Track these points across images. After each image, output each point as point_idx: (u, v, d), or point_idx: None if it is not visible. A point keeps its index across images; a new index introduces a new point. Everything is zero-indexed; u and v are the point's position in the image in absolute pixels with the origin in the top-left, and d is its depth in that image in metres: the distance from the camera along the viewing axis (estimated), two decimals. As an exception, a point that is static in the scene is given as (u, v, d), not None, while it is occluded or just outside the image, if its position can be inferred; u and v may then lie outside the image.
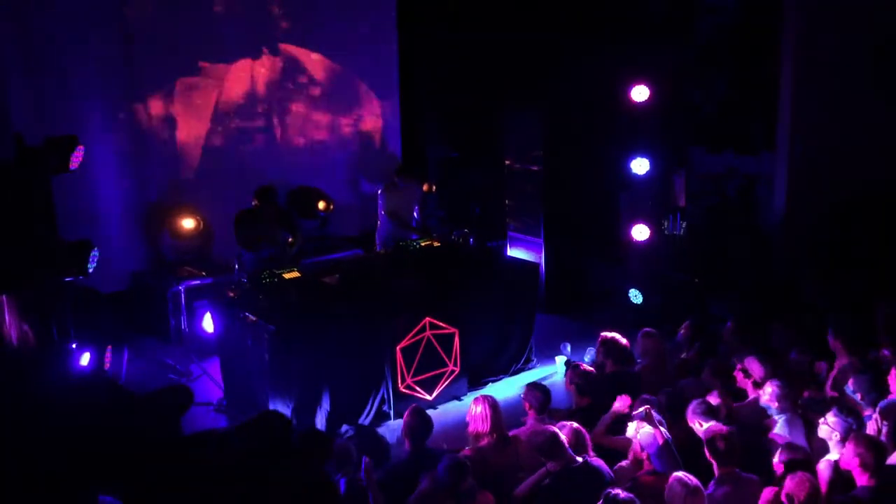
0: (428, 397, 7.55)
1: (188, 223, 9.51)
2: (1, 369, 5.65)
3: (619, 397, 6.21)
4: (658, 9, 10.69)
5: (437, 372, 7.63)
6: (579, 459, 5.29)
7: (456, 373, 7.75)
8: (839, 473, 4.99)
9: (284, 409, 6.65)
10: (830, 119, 9.60)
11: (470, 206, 11.48)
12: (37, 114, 8.41)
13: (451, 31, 11.25)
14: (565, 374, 6.93)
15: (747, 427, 5.67)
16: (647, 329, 7.36)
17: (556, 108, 9.76)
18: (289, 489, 4.78)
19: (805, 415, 5.84)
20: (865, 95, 9.62)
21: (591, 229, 10.11)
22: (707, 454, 5.12)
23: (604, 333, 7.23)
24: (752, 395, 6.19)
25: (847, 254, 9.28)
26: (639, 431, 5.45)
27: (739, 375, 6.46)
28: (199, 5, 9.74)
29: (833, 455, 5.15)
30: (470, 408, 5.96)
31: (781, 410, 5.71)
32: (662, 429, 5.41)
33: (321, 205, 10.34)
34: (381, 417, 7.31)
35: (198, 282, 9.01)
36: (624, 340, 7.14)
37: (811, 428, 5.70)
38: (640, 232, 9.57)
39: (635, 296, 9.53)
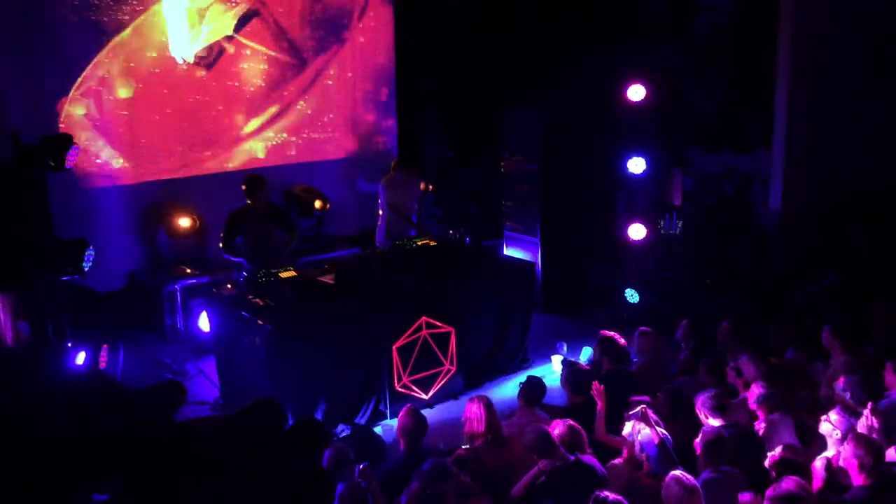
0: (424, 397, 7.54)
1: (184, 222, 9.50)
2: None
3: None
4: (656, 8, 10.69)
5: (434, 371, 7.63)
6: (571, 458, 5.28)
7: (452, 372, 7.75)
8: (833, 472, 5.00)
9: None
10: (828, 118, 9.60)
11: (467, 205, 11.48)
12: (34, 113, 8.41)
13: (448, 31, 11.24)
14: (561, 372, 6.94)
15: (739, 426, 5.66)
16: (644, 328, 7.37)
17: (553, 108, 9.76)
18: (282, 477, 4.77)
19: (799, 415, 5.84)
20: (862, 95, 9.63)
21: (587, 229, 10.10)
22: (697, 450, 5.14)
23: (604, 332, 7.24)
24: (742, 395, 6.19)
25: (844, 253, 9.29)
26: (639, 432, 5.45)
27: (731, 374, 6.46)
28: (200, 12, 9.71)
29: (830, 452, 5.15)
30: (466, 408, 5.95)
31: (770, 411, 5.71)
32: (659, 428, 5.41)
33: (318, 204, 10.33)
34: (378, 417, 7.30)
35: (194, 281, 9.00)
36: (622, 340, 7.14)
37: (805, 428, 5.71)
38: (637, 231, 9.57)
39: (631, 295, 9.53)
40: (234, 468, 4.72)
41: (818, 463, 5.08)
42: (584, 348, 8.17)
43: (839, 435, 5.18)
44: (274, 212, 8.27)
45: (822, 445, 5.43)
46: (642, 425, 5.44)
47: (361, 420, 7.15)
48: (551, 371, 8.23)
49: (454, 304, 7.77)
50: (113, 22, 9.13)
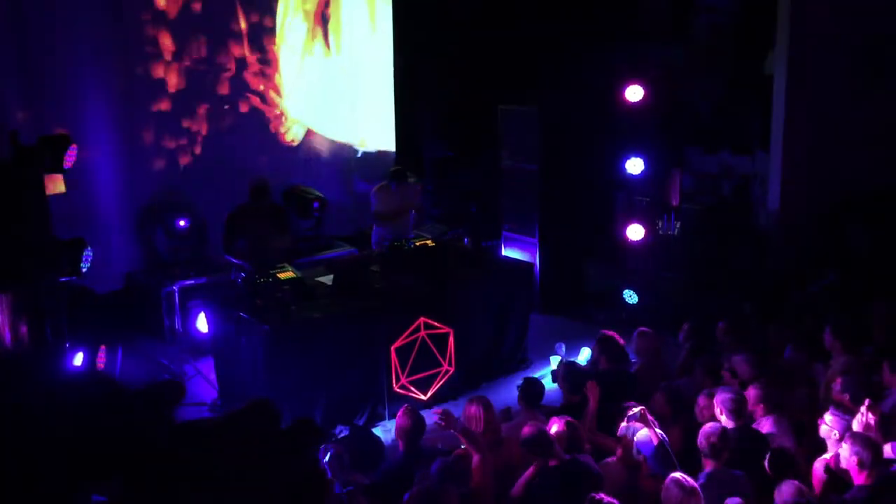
0: (423, 397, 7.54)
1: (183, 223, 9.49)
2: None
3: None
4: (655, 8, 10.70)
5: (432, 372, 7.63)
6: (567, 457, 5.27)
7: (451, 373, 7.75)
8: (833, 473, 4.99)
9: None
10: (826, 118, 9.61)
11: (466, 205, 11.47)
12: (32, 113, 8.40)
13: (447, 30, 11.24)
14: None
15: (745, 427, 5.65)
16: (643, 328, 7.36)
17: (552, 107, 9.75)
18: (279, 477, 4.77)
19: (796, 415, 5.84)
20: (861, 95, 9.63)
21: (586, 229, 10.11)
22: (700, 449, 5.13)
23: (603, 331, 7.24)
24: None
25: (844, 253, 9.29)
26: (636, 433, 5.44)
27: (727, 375, 6.45)
28: (195, 10, 9.71)
29: (830, 453, 5.15)
30: (464, 408, 5.94)
31: (767, 412, 5.71)
32: (657, 430, 5.40)
33: (316, 204, 10.33)
34: (376, 418, 7.30)
35: (192, 281, 8.99)
36: (621, 340, 7.13)
37: (803, 428, 5.71)
38: (635, 232, 9.57)
39: (630, 296, 9.53)
40: (231, 469, 4.72)
41: (818, 465, 5.08)
42: (583, 349, 8.17)
43: (837, 435, 5.18)
44: (273, 212, 8.28)
45: (821, 446, 5.42)
46: (638, 426, 5.43)
47: (360, 421, 7.15)
48: (550, 372, 8.22)
49: (453, 305, 7.77)
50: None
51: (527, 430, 5.35)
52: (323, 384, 6.96)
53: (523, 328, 8.45)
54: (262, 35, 10.24)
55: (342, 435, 6.83)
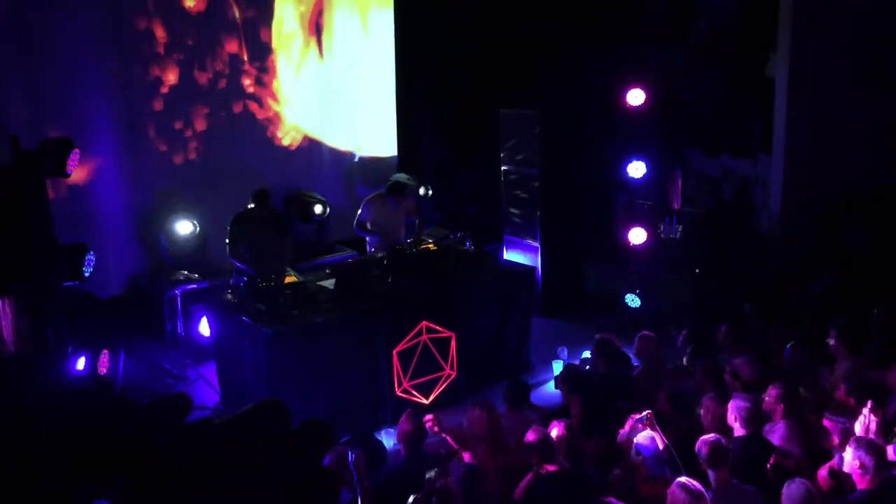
0: (425, 401, 7.53)
1: (185, 227, 9.50)
2: (-2, 374, 5.65)
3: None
4: (656, 10, 10.70)
5: (435, 376, 7.62)
6: (567, 464, 5.27)
7: (453, 377, 7.74)
8: (838, 477, 4.99)
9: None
10: (826, 120, 9.60)
11: (466, 208, 11.47)
12: (34, 118, 8.41)
13: (448, 33, 11.24)
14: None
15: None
16: (644, 332, 7.35)
17: (553, 111, 9.75)
18: (287, 478, 4.76)
19: (800, 417, 5.83)
20: (861, 96, 9.63)
21: (587, 233, 10.11)
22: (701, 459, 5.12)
23: (600, 334, 7.24)
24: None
25: (844, 253, 9.28)
26: (636, 436, 5.43)
27: (729, 378, 6.44)
28: (197, 17, 9.72)
29: (834, 458, 5.15)
30: (468, 412, 5.94)
31: (786, 414, 5.69)
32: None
33: (318, 208, 10.33)
34: (378, 422, 7.29)
35: (194, 286, 8.99)
36: (619, 343, 7.13)
37: (808, 430, 5.70)
38: (637, 235, 9.57)
39: (632, 300, 9.53)
40: (236, 470, 4.71)
41: (822, 471, 5.07)
42: (585, 353, 8.16)
43: (841, 438, 5.17)
44: (274, 218, 8.29)
45: (824, 449, 5.42)
46: (640, 428, 5.43)
47: (362, 425, 7.13)
48: (554, 378, 8.22)
49: (455, 309, 7.77)
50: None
51: (531, 435, 5.35)
52: (325, 388, 6.96)
53: (525, 332, 8.45)
54: (261, 41, 10.24)
55: (344, 439, 6.81)
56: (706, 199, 10.60)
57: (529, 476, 5.31)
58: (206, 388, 8.00)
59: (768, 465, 5.15)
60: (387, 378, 7.28)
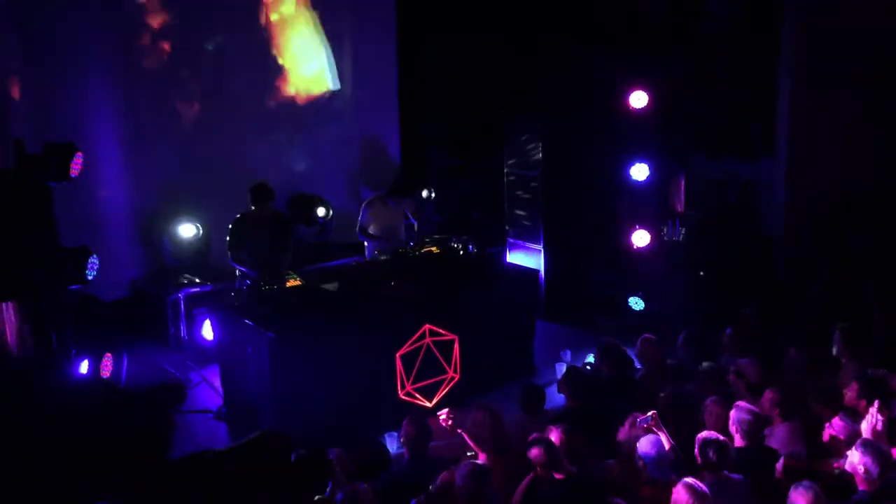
0: (428, 404, 7.53)
1: (188, 230, 9.51)
2: (1, 377, 5.65)
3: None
4: (658, 13, 10.69)
5: (438, 379, 7.62)
6: (574, 468, 5.26)
7: (456, 380, 7.74)
8: (843, 478, 4.98)
9: (283, 416, 6.61)
10: (829, 123, 9.60)
11: (469, 212, 11.47)
12: (37, 121, 8.42)
13: (450, 36, 11.25)
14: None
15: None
16: (647, 335, 7.34)
17: (556, 114, 9.76)
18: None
19: (806, 419, 5.82)
20: (864, 98, 9.62)
21: (591, 236, 10.10)
22: (698, 457, 5.11)
23: (604, 338, 7.23)
24: (744, 398, 6.14)
25: (849, 257, 9.28)
26: (639, 438, 5.42)
27: (733, 378, 6.43)
28: (200, 21, 9.73)
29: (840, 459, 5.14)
30: (471, 415, 5.93)
31: (783, 417, 5.69)
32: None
33: (321, 211, 10.34)
34: (381, 425, 7.28)
35: (197, 289, 9.00)
36: (623, 346, 7.13)
37: (812, 432, 5.70)
38: (641, 238, 9.56)
39: (636, 303, 9.52)
40: (239, 498, 4.71)
41: (829, 469, 5.07)
42: (588, 356, 8.16)
43: (847, 439, 5.17)
44: (275, 220, 8.27)
45: (829, 450, 5.41)
46: (641, 431, 5.42)
47: (365, 428, 7.13)
48: (557, 381, 8.21)
49: (458, 312, 7.77)
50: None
51: (535, 446, 5.33)
52: (328, 391, 6.95)
53: (529, 335, 8.45)
54: (266, 43, 10.26)
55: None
56: (709, 202, 10.60)
57: (527, 480, 5.29)
58: (209, 392, 8.00)
59: (779, 469, 5.13)
60: (390, 381, 7.28)
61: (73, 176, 6.38)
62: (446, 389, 7.68)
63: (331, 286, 7.82)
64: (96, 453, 4.74)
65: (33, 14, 8.47)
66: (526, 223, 10.13)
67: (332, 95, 10.90)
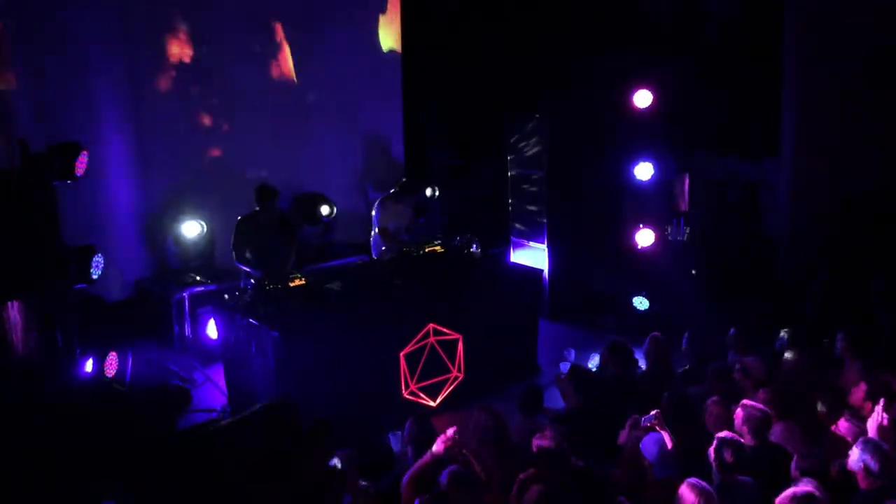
0: (432, 404, 7.54)
1: (192, 230, 9.52)
2: (6, 376, 5.66)
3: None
4: (662, 11, 10.68)
5: (441, 378, 7.62)
6: (581, 463, 5.25)
7: (460, 379, 7.74)
8: (845, 477, 4.98)
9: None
10: (833, 123, 9.59)
11: (473, 211, 11.47)
12: (42, 120, 8.44)
13: (454, 36, 11.25)
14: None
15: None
16: (655, 333, 7.32)
17: (560, 114, 9.76)
18: (296, 478, 4.77)
19: (808, 419, 5.81)
20: (868, 98, 9.60)
21: (595, 235, 10.10)
22: (712, 459, 5.09)
23: (612, 337, 7.23)
24: (750, 396, 6.13)
25: (853, 257, 9.26)
26: (640, 439, 5.42)
27: (738, 376, 6.43)
28: (204, 20, 9.75)
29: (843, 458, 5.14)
30: (474, 415, 5.93)
31: (778, 417, 5.68)
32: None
33: (324, 210, 10.35)
34: (385, 424, 7.28)
35: (201, 288, 9.02)
36: (630, 346, 7.12)
37: (816, 432, 5.69)
38: (645, 238, 9.56)
39: (640, 302, 9.51)
40: (245, 471, 4.72)
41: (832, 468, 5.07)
42: (592, 355, 8.16)
43: (851, 439, 5.17)
44: (279, 220, 8.28)
45: (834, 450, 5.40)
46: (641, 432, 5.42)
47: (369, 428, 7.13)
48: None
49: (461, 312, 7.77)
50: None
51: (539, 451, 5.32)
52: (332, 390, 6.96)
53: (533, 334, 8.45)
54: (271, 45, 10.27)
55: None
56: (714, 202, 10.58)
57: (521, 476, 5.27)
58: (214, 391, 8.01)
59: (793, 467, 5.13)
60: (394, 380, 7.28)
61: (78, 175, 6.39)
62: (450, 389, 7.68)
63: (335, 285, 7.82)
64: (100, 453, 4.76)
65: (39, 14, 8.49)
66: (530, 223, 10.12)
67: (336, 95, 10.90)
